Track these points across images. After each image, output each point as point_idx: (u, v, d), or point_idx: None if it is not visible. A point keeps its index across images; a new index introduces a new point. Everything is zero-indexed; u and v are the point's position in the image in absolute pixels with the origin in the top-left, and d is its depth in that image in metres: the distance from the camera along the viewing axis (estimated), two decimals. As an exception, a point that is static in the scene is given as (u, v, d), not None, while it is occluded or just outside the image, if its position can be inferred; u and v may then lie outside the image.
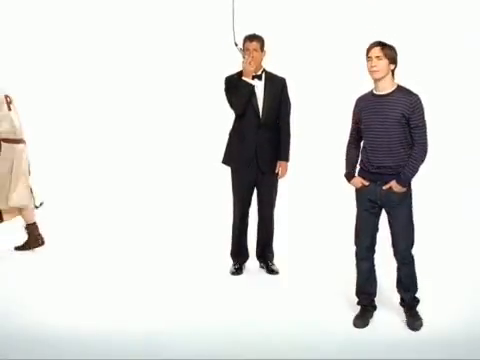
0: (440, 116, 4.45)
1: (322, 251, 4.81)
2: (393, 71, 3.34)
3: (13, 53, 6.27)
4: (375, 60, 3.30)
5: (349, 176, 3.57)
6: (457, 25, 6.07)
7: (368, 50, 3.35)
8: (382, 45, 3.31)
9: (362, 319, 3.60)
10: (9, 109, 4.61)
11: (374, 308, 3.67)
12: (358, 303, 3.68)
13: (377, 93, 3.38)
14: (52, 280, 4.24)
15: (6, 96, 4.62)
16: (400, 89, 3.34)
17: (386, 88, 3.34)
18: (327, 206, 5.78)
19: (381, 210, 3.50)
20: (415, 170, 3.33)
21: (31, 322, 3.55)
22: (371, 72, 3.34)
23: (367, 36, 5.89)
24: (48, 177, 5.89)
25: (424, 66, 5.85)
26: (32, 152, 5.26)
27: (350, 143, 3.60)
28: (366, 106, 3.44)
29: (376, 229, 3.54)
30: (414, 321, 3.50)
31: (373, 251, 3.59)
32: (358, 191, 3.54)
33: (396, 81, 3.37)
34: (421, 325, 3.48)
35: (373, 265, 3.63)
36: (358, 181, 3.51)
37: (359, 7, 6.19)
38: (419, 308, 3.57)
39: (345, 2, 6.24)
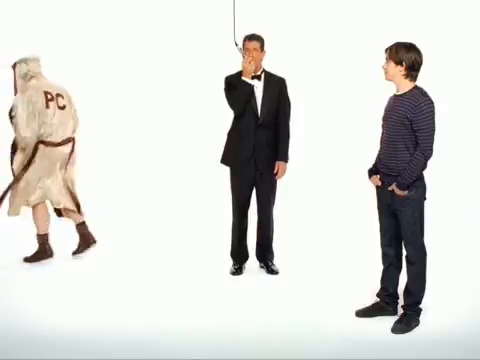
0: (443, 118, 4.42)
1: (322, 251, 4.81)
2: (410, 73, 3.30)
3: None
4: (385, 62, 3.36)
5: (370, 173, 3.59)
6: (461, 25, 6.07)
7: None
8: (390, 47, 3.33)
9: (366, 311, 3.62)
10: (47, 106, 4.43)
11: (390, 311, 3.63)
12: (377, 295, 3.71)
13: (396, 93, 3.41)
14: (52, 280, 4.24)
15: (46, 92, 4.44)
16: (415, 90, 3.31)
17: (402, 89, 3.35)
18: (327, 206, 5.78)
19: (393, 211, 3.47)
20: (412, 175, 3.29)
21: (31, 322, 3.55)
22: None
23: (367, 36, 5.94)
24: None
25: (426, 66, 5.84)
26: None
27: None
28: (387, 106, 3.48)
29: (392, 229, 3.53)
30: (398, 324, 3.47)
31: (393, 250, 3.57)
32: (376, 190, 3.57)
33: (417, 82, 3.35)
34: (402, 330, 3.44)
35: (391, 264, 3.60)
36: (375, 180, 3.54)
37: (359, 7, 6.19)
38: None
39: (345, 2, 6.24)
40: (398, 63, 3.29)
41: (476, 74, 6.14)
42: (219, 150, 4.34)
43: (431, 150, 3.29)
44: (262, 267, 4.49)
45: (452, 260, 4.59)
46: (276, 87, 4.20)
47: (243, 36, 4.14)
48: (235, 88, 4.11)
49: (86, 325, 3.52)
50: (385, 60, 3.36)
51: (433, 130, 3.27)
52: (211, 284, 4.18)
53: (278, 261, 4.47)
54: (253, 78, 4.13)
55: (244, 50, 4.12)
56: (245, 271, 4.44)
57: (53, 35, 6.41)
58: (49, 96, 4.47)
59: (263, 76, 4.18)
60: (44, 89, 4.46)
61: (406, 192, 3.33)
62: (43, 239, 4.66)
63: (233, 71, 4.19)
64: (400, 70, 3.30)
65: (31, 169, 4.47)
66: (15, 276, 4.32)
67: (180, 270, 4.44)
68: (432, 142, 3.28)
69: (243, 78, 4.09)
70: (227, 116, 4.29)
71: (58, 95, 4.53)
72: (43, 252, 4.65)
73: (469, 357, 3.20)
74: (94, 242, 4.71)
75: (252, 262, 4.49)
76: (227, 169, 4.34)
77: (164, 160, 6.33)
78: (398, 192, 3.35)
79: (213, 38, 5.81)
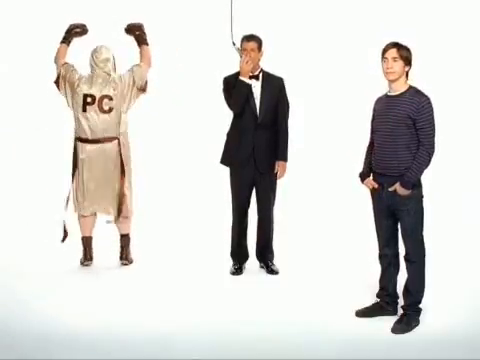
0: (445, 118, 4.43)
1: (322, 251, 4.81)
2: (407, 72, 3.35)
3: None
4: (391, 61, 3.32)
5: (363, 176, 3.58)
6: (461, 24, 6.06)
7: (384, 51, 3.36)
8: (398, 46, 3.32)
9: (366, 311, 3.63)
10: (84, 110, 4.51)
11: (390, 311, 3.63)
12: (376, 295, 3.71)
13: (390, 94, 3.41)
14: (52, 281, 4.24)
15: (86, 95, 4.55)
16: (411, 90, 3.33)
17: (398, 89, 3.36)
18: (327, 206, 5.77)
19: (393, 211, 3.47)
20: (418, 173, 3.31)
21: (33, 322, 3.55)
22: (387, 73, 3.35)
23: (367, 36, 5.93)
24: (46, 175, 5.90)
25: (427, 67, 5.84)
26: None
27: (370, 144, 3.60)
28: (379, 107, 3.47)
29: (389, 230, 3.53)
30: (398, 324, 3.46)
31: (391, 250, 3.57)
32: (371, 192, 3.56)
33: (409, 82, 3.37)
34: (402, 330, 3.43)
35: (390, 265, 3.61)
36: (369, 182, 3.53)
37: (359, 7, 6.18)
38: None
39: (345, 2, 6.24)
40: (407, 63, 3.31)
41: (471, 71, 6.12)
42: (219, 150, 4.34)
43: (434, 147, 3.32)
44: (262, 267, 4.49)
45: (452, 260, 4.59)
46: (275, 86, 4.21)
47: (241, 36, 4.14)
48: (233, 88, 4.11)
49: (85, 324, 3.52)
50: (389, 60, 3.31)
51: (434, 127, 3.30)
52: (211, 284, 4.18)
53: (278, 261, 4.47)
54: (251, 78, 4.13)
55: (242, 50, 4.13)
56: (245, 271, 4.44)
57: (51, 35, 6.40)
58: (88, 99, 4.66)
59: (261, 76, 4.19)
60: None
61: (410, 191, 3.33)
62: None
63: (232, 71, 4.19)
64: (407, 70, 3.33)
65: None
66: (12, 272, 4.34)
67: (180, 270, 4.44)
68: (434, 139, 3.31)
69: (240, 78, 4.09)
70: (226, 116, 4.29)
71: None
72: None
73: (469, 357, 3.19)
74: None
75: (252, 262, 4.49)
76: (227, 169, 4.35)
77: (164, 160, 6.32)
78: (402, 192, 3.33)
79: (211, 38, 5.80)
